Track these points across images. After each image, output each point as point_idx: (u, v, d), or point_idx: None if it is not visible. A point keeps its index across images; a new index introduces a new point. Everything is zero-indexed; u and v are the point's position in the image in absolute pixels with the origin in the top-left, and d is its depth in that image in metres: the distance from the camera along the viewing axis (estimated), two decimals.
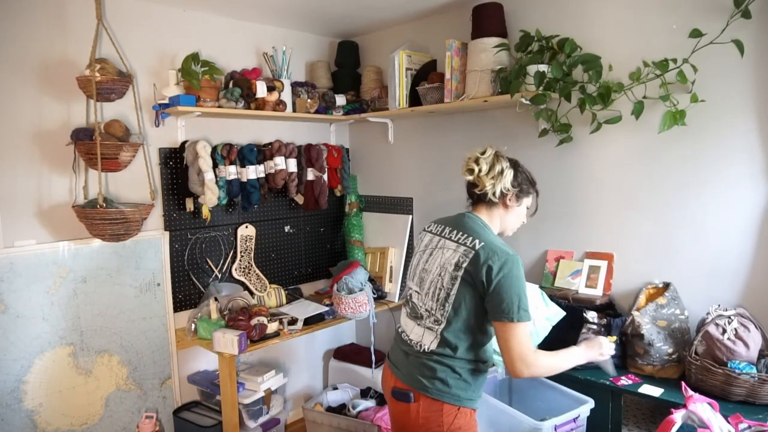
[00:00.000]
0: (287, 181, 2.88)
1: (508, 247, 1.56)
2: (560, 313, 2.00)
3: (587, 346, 1.68)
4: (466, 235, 1.60)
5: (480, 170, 1.64)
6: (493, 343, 1.65)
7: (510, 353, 1.48)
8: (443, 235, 1.68)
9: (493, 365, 1.74)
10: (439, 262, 1.63)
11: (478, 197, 1.69)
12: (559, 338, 2.17)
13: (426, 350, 1.60)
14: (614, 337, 1.85)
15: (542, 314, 1.97)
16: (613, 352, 1.73)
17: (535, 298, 1.96)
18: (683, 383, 1.73)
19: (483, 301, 1.53)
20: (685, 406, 1.55)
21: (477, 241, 1.56)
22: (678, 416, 1.48)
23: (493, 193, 1.63)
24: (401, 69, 2.74)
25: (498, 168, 1.63)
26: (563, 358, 1.60)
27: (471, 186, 1.69)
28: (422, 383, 1.58)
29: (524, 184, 1.70)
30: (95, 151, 2.17)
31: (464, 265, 1.54)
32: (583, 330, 2.08)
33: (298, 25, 3.05)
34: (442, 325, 1.58)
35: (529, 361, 1.48)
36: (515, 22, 2.50)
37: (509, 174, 1.64)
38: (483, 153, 1.66)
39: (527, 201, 1.73)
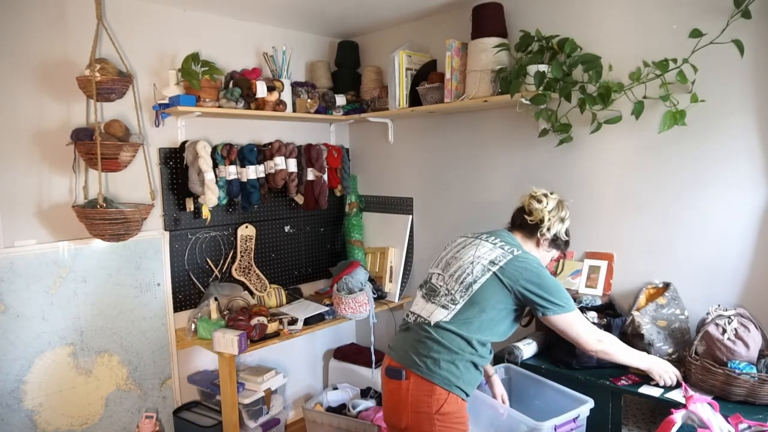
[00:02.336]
0: (287, 181, 2.88)
1: (538, 259, 1.74)
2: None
3: (659, 361, 1.80)
4: (504, 242, 1.75)
5: (547, 205, 1.79)
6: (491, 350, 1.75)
7: (581, 336, 1.66)
8: (480, 237, 1.80)
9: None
10: (472, 253, 1.73)
11: (518, 226, 1.85)
12: (559, 338, 2.17)
13: (432, 323, 1.67)
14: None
15: None
16: (672, 382, 1.79)
17: None
18: (683, 383, 1.73)
19: (505, 301, 1.66)
20: (685, 406, 1.55)
21: (515, 248, 1.72)
22: (678, 416, 1.48)
23: (548, 228, 1.78)
24: (401, 69, 2.74)
25: (563, 213, 1.82)
26: (632, 351, 1.75)
27: (522, 213, 1.84)
28: (414, 361, 1.64)
29: (557, 236, 1.83)
30: (95, 151, 2.17)
31: (500, 263, 1.67)
32: None
33: (298, 25, 3.05)
34: (458, 306, 1.66)
35: (599, 335, 1.68)
36: (515, 22, 2.50)
37: (567, 224, 1.83)
38: (552, 193, 1.84)
39: (553, 254, 1.88)
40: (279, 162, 2.82)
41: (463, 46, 2.53)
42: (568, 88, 2.15)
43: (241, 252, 2.93)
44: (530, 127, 2.50)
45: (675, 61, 1.95)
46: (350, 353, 3.25)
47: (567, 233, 1.85)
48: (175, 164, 2.66)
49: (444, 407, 1.59)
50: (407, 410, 1.64)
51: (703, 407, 1.48)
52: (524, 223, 1.82)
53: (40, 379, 2.26)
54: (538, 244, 1.82)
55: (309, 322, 2.68)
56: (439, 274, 1.77)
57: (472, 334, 1.64)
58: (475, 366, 1.68)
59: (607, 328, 2.08)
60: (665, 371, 1.76)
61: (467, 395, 1.69)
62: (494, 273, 1.65)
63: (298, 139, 3.12)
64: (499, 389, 1.98)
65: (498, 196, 2.66)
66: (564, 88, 2.16)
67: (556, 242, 1.83)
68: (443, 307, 1.69)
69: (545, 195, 1.83)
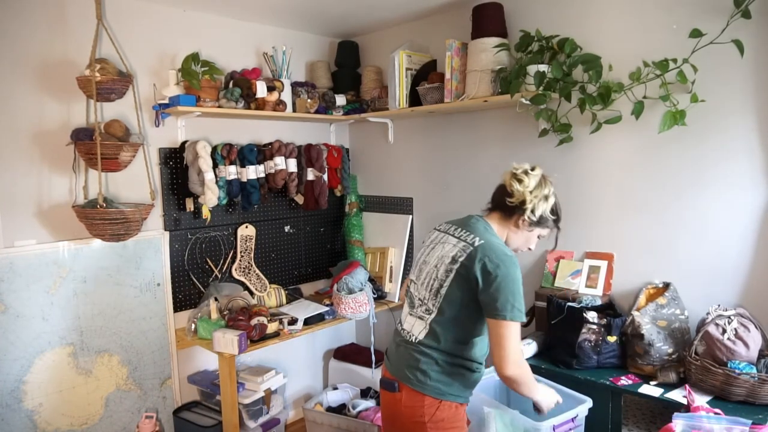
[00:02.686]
0: (287, 181, 2.88)
1: (507, 248, 1.59)
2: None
3: (548, 394, 1.72)
4: (468, 233, 1.63)
5: (528, 184, 1.63)
6: (485, 347, 1.68)
7: (501, 350, 1.50)
8: (448, 231, 1.71)
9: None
10: (437, 254, 1.66)
11: (497, 205, 1.70)
12: (559, 338, 2.17)
13: (414, 340, 1.64)
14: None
15: None
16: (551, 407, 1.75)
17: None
18: (687, 386, 1.73)
19: (475, 297, 1.55)
20: (687, 409, 1.55)
21: (477, 238, 1.59)
22: (678, 424, 1.48)
23: (531, 210, 1.63)
24: (401, 69, 2.74)
25: (546, 191, 1.64)
26: (537, 385, 1.64)
27: (502, 194, 1.68)
28: (405, 374, 1.62)
29: (555, 215, 1.69)
30: (95, 151, 2.17)
31: (461, 259, 1.57)
32: (583, 330, 2.08)
33: (298, 25, 3.05)
34: (432, 315, 1.62)
35: (519, 360, 1.51)
36: (515, 22, 2.50)
37: (552, 201, 1.65)
38: (533, 169, 1.67)
39: (543, 231, 1.71)
40: (279, 162, 2.82)
41: (463, 46, 2.53)
42: (568, 88, 2.15)
43: (241, 252, 2.93)
44: (530, 127, 2.50)
45: (675, 61, 1.95)
46: (350, 353, 3.25)
47: (554, 210, 1.68)
48: (175, 164, 2.66)
49: (437, 414, 1.57)
50: (402, 421, 1.64)
51: (708, 421, 1.48)
52: (504, 204, 1.67)
53: (40, 379, 2.26)
54: (517, 224, 1.67)
55: (309, 322, 2.68)
56: (414, 282, 1.73)
57: (454, 342, 1.59)
58: (469, 369, 1.64)
59: (607, 328, 2.08)
60: (552, 402, 1.72)
61: (466, 399, 1.66)
62: (456, 271, 1.57)
63: (298, 139, 3.12)
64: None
65: None
66: (564, 88, 2.16)
67: (541, 222, 1.67)
68: (420, 318, 1.65)
69: (526, 172, 1.66)
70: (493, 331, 1.52)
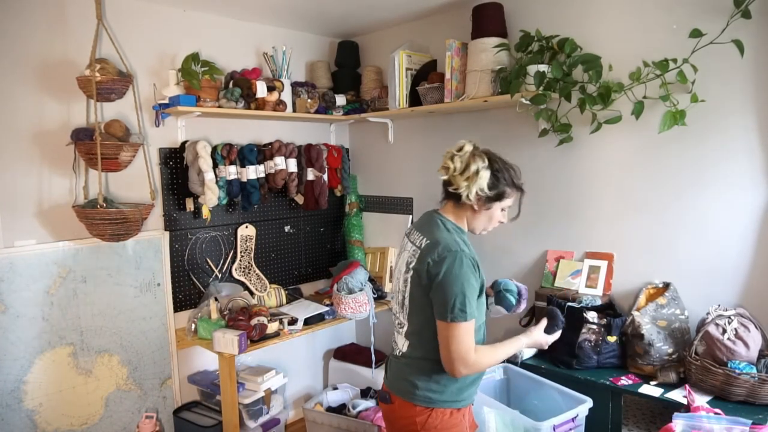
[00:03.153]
0: (287, 181, 2.88)
1: (456, 244, 1.50)
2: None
3: (533, 339, 1.65)
4: (420, 235, 1.59)
5: (455, 168, 1.54)
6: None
7: (447, 353, 1.45)
8: (409, 236, 1.66)
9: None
10: (399, 265, 1.65)
11: (447, 195, 1.62)
12: (559, 338, 2.17)
13: (400, 354, 1.63)
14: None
15: None
16: (554, 338, 1.70)
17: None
18: (687, 386, 1.73)
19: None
20: (687, 409, 1.55)
21: (424, 239, 1.55)
22: (678, 424, 1.48)
23: (467, 195, 1.53)
24: (401, 69, 2.74)
25: (473, 168, 1.52)
26: (505, 350, 1.55)
27: (446, 183, 1.60)
28: (396, 385, 1.61)
29: (500, 186, 1.55)
30: (95, 151, 2.17)
31: (411, 265, 1.55)
32: (584, 330, 2.08)
33: (298, 25, 3.05)
34: (405, 327, 1.60)
35: (468, 362, 1.45)
36: (515, 22, 2.50)
37: (485, 175, 1.52)
38: (459, 150, 1.56)
39: (502, 204, 1.60)
40: (279, 162, 2.82)
41: (463, 46, 2.53)
42: (568, 88, 2.15)
43: (241, 252, 2.93)
44: (530, 127, 2.50)
45: (675, 61, 1.95)
46: (350, 353, 3.25)
47: (495, 182, 1.54)
48: (175, 164, 2.66)
49: (428, 422, 1.55)
50: (398, 431, 1.64)
51: (708, 421, 1.48)
52: (449, 193, 1.59)
53: (40, 379, 2.26)
54: (472, 208, 1.58)
55: (309, 322, 2.68)
56: (392, 297, 1.71)
57: (435, 349, 1.50)
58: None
59: (608, 328, 2.08)
60: (543, 342, 1.66)
61: (464, 402, 1.60)
62: (411, 278, 1.53)
63: (298, 139, 3.12)
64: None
65: None
66: (564, 88, 2.16)
67: (494, 197, 1.55)
68: (398, 333, 1.65)
69: (452, 157, 1.55)
70: (439, 332, 1.47)
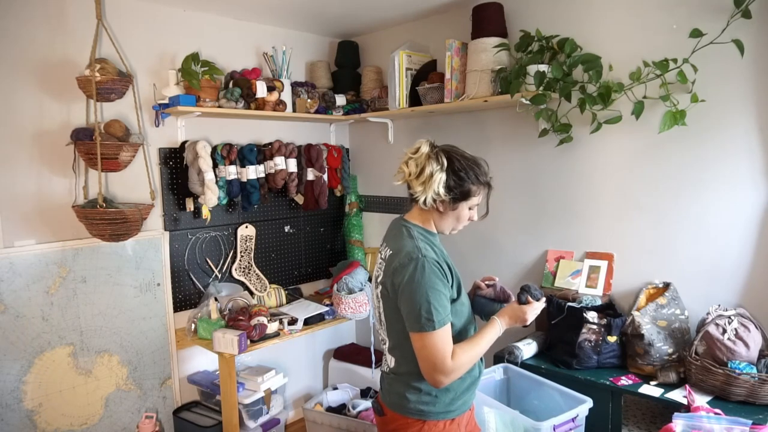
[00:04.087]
0: (287, 181, 2.88)
1: (419, 251, 1.43)
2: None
3: (507, 316, 1.53)
4: (386, 247, 1.54)
5: (410, 173, 1.47)
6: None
7: (424, 364, 1.38)
8: (380, 250, 1.59)
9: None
10: (374, 280, 1.60)
11: (412, 198, 1.53)
12: (559, 338, 2.17)
13: (388, 370, 1.60)
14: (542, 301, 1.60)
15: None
16: (537, 312, 1.55)
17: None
18: (687, 386, 1.73)
19: None
20: (687, 409, 1.55)
21: (388, 250, 1.50)
22: (678, 424, 1.48)
23: (424, 201, 1.47)
24: (401, 69, 2.74)
25: (428, 171, 1.44)
26: (484, 341, 1.46)
27: (408, 186, 1.53)
28: (388, 399, 1.58)
29: (465, 186, 1.47)
30: (95, 151, 2.17)
31: (379, 279, 1.52)
32: (583, 330, 2.08)
33: (298, 25, 3.05)
34: (387, 344, 1.57)
35: (447, 369, 1.37)
36: (515, 22, 2.50)
37: (440, 178, 1.44)
38: (415, 152, 1.47)
39: (468, 203, 1.51)
40: (279, 162, 2.82)
41: (463, 46, 2.53)
42: (568, 88, 2.15)
43: (241, 252, 2.93)
44: (530, 127, 2.50)
45: (675, 61, 1.95)
46: (350, 353, 3.25)
47: (459, 182, 1.46)
48: (175, 164, 2.66)
49: None
50: None
51: (709, 421, 1.48)
52: (411, 197, 1.52)
53: (40, 379, 2.26)
54: (438, 209, 1.50)
55: (309, 322, 2.68)
56: (374, 314, 1.70)
57: (415, 357, 1.44)
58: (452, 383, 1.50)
59: (608, 328, 2.08)
60: (522, 319, 1.51)
61: (459, 410, 1.54)
62: (381, 293, 1.49)
63: (298, 139, 3.12)
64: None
65: (498, 196, 2.65)
66: (564, 88, 2.16)
67: (458, 197, 1.47)
68: (384, 349, 1.60)
69: (407, 161, 1.47)
70: (414, 345, 1.41)
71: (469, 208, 1.54)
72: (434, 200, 1.47)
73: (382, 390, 1.65)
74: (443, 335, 1.38)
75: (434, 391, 1.48)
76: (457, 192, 1.47)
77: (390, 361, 1.58)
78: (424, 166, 1.45)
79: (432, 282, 1.39)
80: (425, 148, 1.47)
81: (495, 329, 1.50)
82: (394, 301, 1.45)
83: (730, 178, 1.97)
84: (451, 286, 1.48)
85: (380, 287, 1.51)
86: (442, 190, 1.45)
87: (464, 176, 1.47)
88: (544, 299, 1.58)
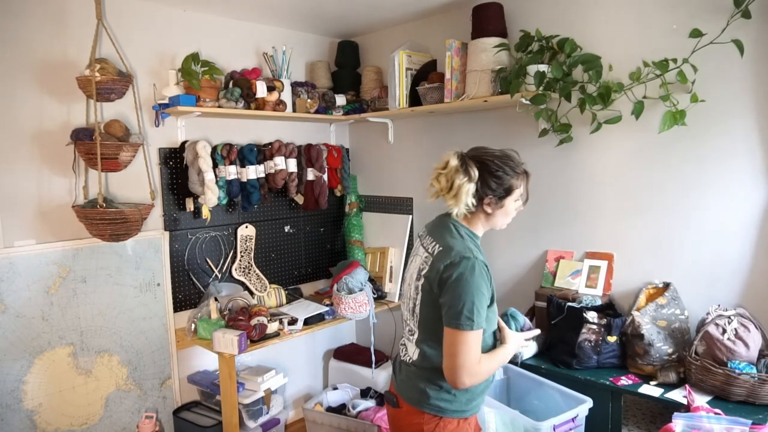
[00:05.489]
0: (287, 181, 2.88)
1: (469, 251, 1.46)
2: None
3: (512, 341, 1.59)
4: (433, 241, 1.54)
5: (441, 188, 1.51)
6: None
7: (454, 361, 1.39)
8: (422, 241, 1.61)
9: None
10: (411, 271, 1.61)
11: None
12: (559, 338, 2.17)
13: (409, 361, 1.59)
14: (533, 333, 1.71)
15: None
16: (528, 341, 1.67)
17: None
18: (687, 386, 1.73)
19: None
20: (687, 409, 1.55)
21: (437, 246, 1.51)
22: (678, 424, 1.48)
23: (457, 214, 1.51)
24: (401, 69, 2.74)
25: (456, 183, 1.47)
26: (498, 360, 1.53)
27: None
28: (406, 392, 1.58)
29: (505, 183, 1.51)
30: (95, 151, 2.17)
31: (423, 272, 1.51)
32: (583, 330, 2.08)
33: (298, 25, 3.05)
34: (416, 335, 1.56)
35: (473, 371, 1.40)
36: (515, 22, 2.50)
37: (468, 190, 1.47)
38: (444, 167, 1.51)
39: (513, 197, 1.55)
40: (279, 162, 2.82)
41: (463, 46, 2.53)
42: (568, 88, 2.15)
43: (241, 252, 2.93)
44: (530, 127, 2.50)
45: (675, 61, 1.95)
46: (350, 353, 3.25)
47: (499, 182, 1.50)
48: (175, 164, 2.66)
49: (436, 431, 1.53)
50: None
51: (708, 421, 1.48)
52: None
53: (40, 379, 2.26)
54: (484, 211, 1.53)
55: (309, 322, 2.68)
56: (403, 303, 1.67)
57: (442, 354, 1.47)
58: None
59: (607, 328, 2.08)
60: (521, 345, 1.61)
61: (472, 411, 1.58)
62: (422, 286, 1.50)
63: (298, 139, 3.12)
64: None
65: None
66: (564, 88, 2.16)
67: (503, 194, 1.52)
68: (409, 340, 1.60)
69: (438, 176, 1.51)
70: (445, 340, 1.43)
71: (515, 200, 1.57)
72: (480, 202, 1.51)
73: (398, 381, 1.64)
74: (477, 338, 1.41)
75: (453, 390, 1.50)
76: (501, 191, 1.52)
77: (413, 352, 1.58)
78: (453, 179, 1.48)
79: (479, 284, 1.41)
80: (454, 162, 1.49)
81: (506, 353, 1.55)
82: (436, 296, 1.46)
83: (730, 178, 1.97)
84: (490, 292, 1.50)
85: (422, 280, 1.50)
86: (470, 201, 1.49)
87: (502, 174, 1.51)
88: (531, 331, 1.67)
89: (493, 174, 1.50)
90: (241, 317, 2.47)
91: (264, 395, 2.72)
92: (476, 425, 1.69)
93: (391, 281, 3.10)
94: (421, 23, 2.96)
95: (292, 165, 2.90)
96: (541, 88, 2.19)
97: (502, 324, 1.62)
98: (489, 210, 1.53)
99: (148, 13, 2.52)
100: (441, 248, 1.49)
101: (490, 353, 1.51)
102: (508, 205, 1.55)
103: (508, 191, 1.53)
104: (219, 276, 2.85)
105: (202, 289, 2.78)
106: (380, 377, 3.07)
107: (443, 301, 1.43)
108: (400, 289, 3.07)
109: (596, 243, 2.35)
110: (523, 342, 1.63)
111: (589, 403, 1.90)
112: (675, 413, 1.55)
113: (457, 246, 1.47)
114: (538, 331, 1.69)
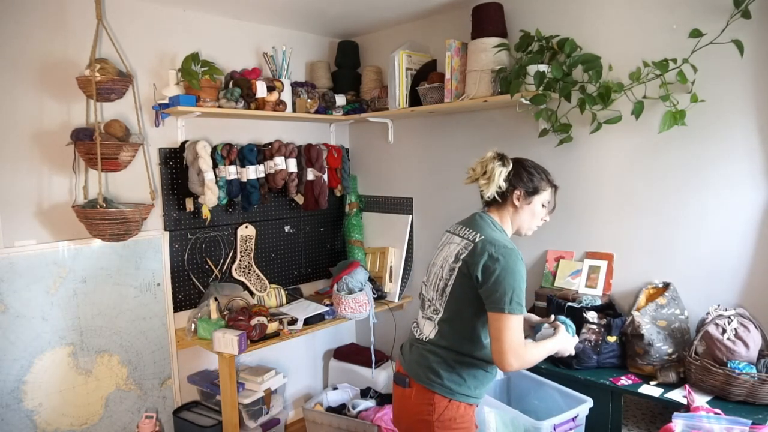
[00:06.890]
0: (287, 181, 2.88)
1: (510, 242, 1.58)
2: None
3: (562, 337, 1.67)
4: (471, 230, 1.64)
5: (476, 172, 1.68)
6: None
7: (501, 344, 1.47)
8: (455, 232, 1.72)
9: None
10: (444, 255, 1.68)
11: (486, 202, 1.73)
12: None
13: (425, 339, 1.66)
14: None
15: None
16: (574, 345, 1.73)
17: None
18: (687, 386, 1.73)
19: (478, 294, 1.54)
20: (687, 409, 1.55)
21: (478, 234, 1.60)
22: (678, 424, 1.48)
23: (489, 195, 1.65)
24: (401, 69, 2.74)
25: (490, 167, 1.64)
26: (546, 349, 1.60)
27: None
28: (417, 372, 1.63)
29: (535, 180, 1.66)
30: (95, 151, 2.17)
31: (462, 256, 1.58)
32: (583, 330, 2.08)
33: (298, 25, 3.05)
34: (440, 315, 1.63)
35: (520, 353, 1.48)
36: (515, 22, 2.50)
37: (500, 172, 1.63)
38: (482, 158, 1.68)
39: (541, 198, 1.68)
40: (279, 162, 2.82)
41: (463, 46, 2.53)
42: (568, 88, 2.15)
43: (241, 252, 2.93)
44: (530, 127, 2.50)
45: (675, 61, 1.95)
46: (350, 353, 3.25)
47: (530, 177, 1.66)
48: (175, 164, 2.66)
49: (445, 413, 1.57)
50: (410, 418, 1.64)
51: (708, 421, 1.48)
52: (492, 198, 1.68)
53: (40, 379, 2.26)
54: (513, 204, 1.67)
55: (309, 322, 2.68)
56: (424, 284, 1.75)
57: (463, 340, 1.58)
58: (481, 368, 1.62)
59: (607, 328, 2.08)
60: (570, 346, 1.69)
61: (476, 399, 1.63)
62: (459, 269, 1.58)
63: (298, 139, 3.12)
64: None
65: None
66: (564, 88, 2.16)
67: (532, 190, 1.66)
68: (429, 319, 1.67)
69: (474, 166, 1.68)
70: (491, 325, 1.50)
71: (542, 205, 1.70)
72: (507, 193, 1.65)
73: (408, 360, 1.69)
74: (520, 322, 1.51)
75: (464, 374, 1.59)
76: (531, 187, 1.66)
77: (430, 332, 1.65)
78: (488, 164, 1.65)
79: (522, 272, 1.53)
80: (490, 153, 1.67)
81: (551, 346, 1.62)
82: (474, 282, 1.54)
83: (730, 178, 1.97)
84: None
85: (460, 263, 1.58)
86: (502, 182, 1.63)
87: (534, 172, 1.68)
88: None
89: (526, 169, 1.67)
90: (241, 317, 2.47)
91: (264, 395, 2.72)
92: (476, 423, 1.70)
93: (391, 281, 3.10)
94: (421, 23, 2.96)
95: (292, 165, 2.90)
96: (541, 88, 2.19)
97: (557, 322, 1.72)
98: (517, 203, 1.66)
99: (148, 13, 2.52)
100: (482, 237, 1.58)
101: (537, 342, 1.61)
102: (535, 204, 1.68)
103: (536, 190, 1.67)
104: (219, 276, 2.85)
105: (202, 289, 2.78)
106: (380, 377, 3.07)
107: (489, 288, 1.50)
108: (401, 288, 3.08)
109: (596, 243, 2.36)
110: (573, 342, 1.70)
111: (589, 402, 1.90)
112: (675, 413, 1.55)
113: (500, 237, 1.60)
114: (577, 340, 1.75)
